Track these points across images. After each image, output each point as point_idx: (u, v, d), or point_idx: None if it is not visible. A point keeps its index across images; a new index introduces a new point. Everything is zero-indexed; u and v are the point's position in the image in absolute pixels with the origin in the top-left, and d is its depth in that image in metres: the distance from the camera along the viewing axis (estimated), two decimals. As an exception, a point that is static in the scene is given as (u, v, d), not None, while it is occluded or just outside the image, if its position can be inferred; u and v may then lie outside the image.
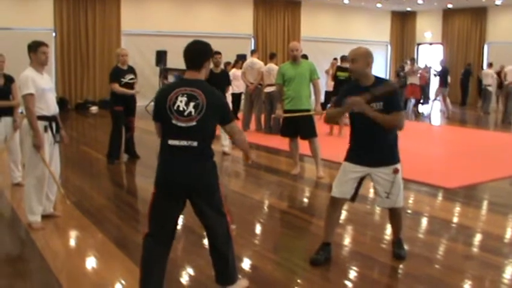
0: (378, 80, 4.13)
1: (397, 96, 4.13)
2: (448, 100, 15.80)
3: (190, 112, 3.22)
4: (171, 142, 3.28)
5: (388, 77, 19.35)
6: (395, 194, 4.12)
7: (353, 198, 4.27)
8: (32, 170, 5.07)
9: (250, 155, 3.78)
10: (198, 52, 3.39)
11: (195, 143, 3.25)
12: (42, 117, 5.00)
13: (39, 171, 5.04)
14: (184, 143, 3.25)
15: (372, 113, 3.94)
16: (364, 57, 4.05)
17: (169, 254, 3.49)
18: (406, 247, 4.55)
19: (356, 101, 3.93)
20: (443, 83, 15.53)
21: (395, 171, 4.09)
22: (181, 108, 3.23)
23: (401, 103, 4.18)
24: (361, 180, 4.21)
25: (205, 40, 3.47)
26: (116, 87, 7.99)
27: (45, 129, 5.06)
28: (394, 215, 4.36)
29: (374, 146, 4.10)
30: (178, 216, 3.47)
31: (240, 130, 3.59)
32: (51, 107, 5.11)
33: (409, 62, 16.69)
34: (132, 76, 8.13)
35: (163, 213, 3.39)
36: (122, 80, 8.02)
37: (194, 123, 3.23)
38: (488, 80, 16.29)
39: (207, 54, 3.41)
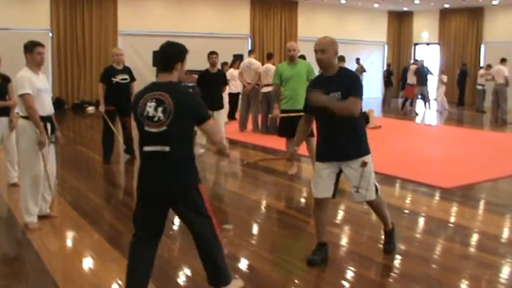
0: (342, 69, 4.17)
1: (357, 83, 4.05)
2: (441, 98, 16.36)
3: (159, 117, 3.17)
4: (145, 148, 3.28)
5: (382, 77, 19.30)
6: (364, 187, 4.08)
7: (333, 195, 4.22)
8: (27, 170, 5.06)
9: (226, 151, 3.62)
10: (170, 54, 3.33)
11: (167, 148, 3.20)
12: None
13: (34, 172, 5.03)
14: (157, 148, 3.22)
15: (329, 103, 3.91)
16: (332, 46, 4.07)
17: (154, 254, 3.44)
18: (402, 247, 4.58)
19: (314, 98, 3.93)
20: (418, 82, 16.08)
21: (363, 164, 4.04)
22: (150, 114, 3.19)
23: (360, 91, 4.06)
24: (338, 176, 4.18)
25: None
26: (100, 88, 8.06)
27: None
28: (373, 208, 4.38)
29: (337, 139, 4.06)
30: (161, 220, 3.41)
31: (217, 131, 3.49)
32: (46, 108, 5.09)
33: (411, 62, 16.88)
34: (125, 76, 8.07)
35: (144, 216, 3.39)
36: (113, 79, 7.97)
37: (164, 127, 3.18)
38: (480, 80, 16.53)
39: (179, 56, 3.33)
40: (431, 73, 16.82)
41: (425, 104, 16.38)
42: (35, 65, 5.03)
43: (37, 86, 4.95)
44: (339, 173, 4.17)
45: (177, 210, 3.37)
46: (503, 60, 14.77)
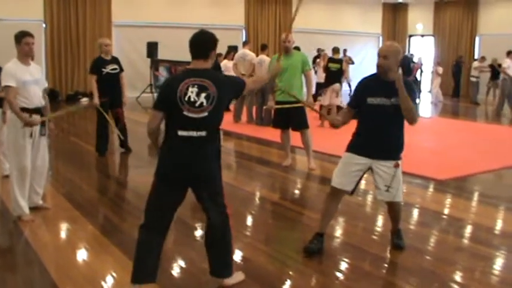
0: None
1: (414, 93, 4.09)
2: (436, 90, 17.06)
3: (202, 103, 3.25)
4: (180, 133, 3.29)
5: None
6: (395, 187, 4.12)
7: (352, 192, 4.27)
8: (13, 163, 5.02)
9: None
10: (206, 42, 3.40)
11: (203, 133, 3.29)
12: (23, 110, 4.87)
13: (21, 164, 4.97)
14: (193, 133, 3.28)
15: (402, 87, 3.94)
16: (395, 55, 4.04)
17: (163, 244, 3.50)
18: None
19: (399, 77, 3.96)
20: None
21: (396, 165, 4.09)
22: (192, 99, 3.24)
23: (415, 99, 4.15)
24: (363, 174, 4.21)
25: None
26: (93, 81, 7.89)
27: None
28: (393, 210, 4.35)
29: (382, 138, 4.09)
30: (177, 207, 3.49)
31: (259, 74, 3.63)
32: (34, 100, 4.98)
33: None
34: (115, 66, 7.98)
35: (164, 204, 3.42)
36: (103, 70, 7.85)
37: (206, 114, 3.27)
38: (474, 72, 16.63)
39: (214, 44, 3.42)
40: (421, 63, 16.90)
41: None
42: (24, 55, 4.94)
43: (23, 78, 4.85)
44: (365, 172, 4.20)
45: (198, 194, 3.47)
46: (509, 53, 14.58)
